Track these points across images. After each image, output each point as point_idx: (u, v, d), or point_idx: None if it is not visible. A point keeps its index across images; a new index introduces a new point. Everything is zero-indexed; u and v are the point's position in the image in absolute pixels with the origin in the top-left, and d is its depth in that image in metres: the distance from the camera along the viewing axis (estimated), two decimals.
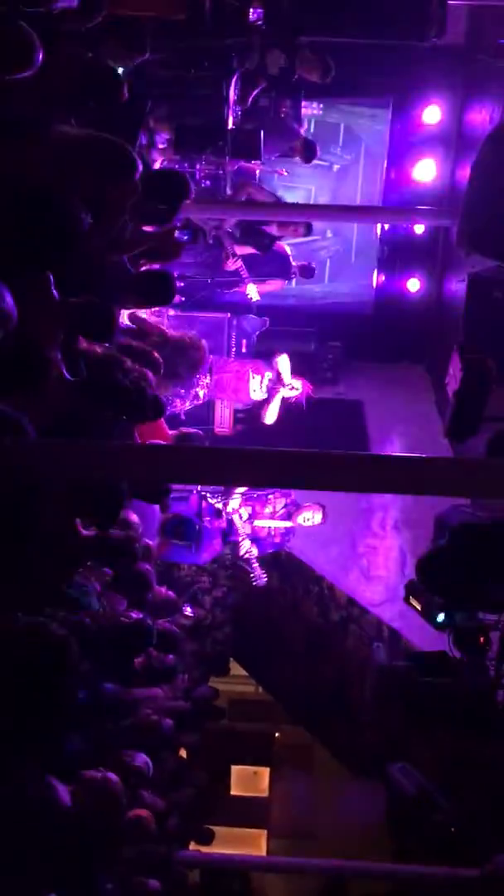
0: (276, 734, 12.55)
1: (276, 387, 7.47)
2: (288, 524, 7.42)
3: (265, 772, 12.52)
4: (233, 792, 12.35)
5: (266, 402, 7.45)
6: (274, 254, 8.20)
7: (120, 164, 3.72)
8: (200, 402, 7.38)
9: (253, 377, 7.48)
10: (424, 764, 5.74)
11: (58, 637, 2.86)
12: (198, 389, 7.21)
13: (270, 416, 7.46)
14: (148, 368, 4.35)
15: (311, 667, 9.15)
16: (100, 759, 3.72)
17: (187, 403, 7.24)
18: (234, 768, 12.41)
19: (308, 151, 7.91)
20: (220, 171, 7.38)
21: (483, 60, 8.40)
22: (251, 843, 11.66)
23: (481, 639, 5.01)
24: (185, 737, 7.26)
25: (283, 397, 7.49)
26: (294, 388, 7.48)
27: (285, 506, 7.46)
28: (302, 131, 8.27)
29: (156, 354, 4.92)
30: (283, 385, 7.45)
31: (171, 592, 6.27)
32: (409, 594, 5.31)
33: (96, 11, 4.07)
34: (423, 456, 3.36)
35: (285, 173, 8.57)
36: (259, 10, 6.22)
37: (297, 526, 7.43)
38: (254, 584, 7.42)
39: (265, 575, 7.39)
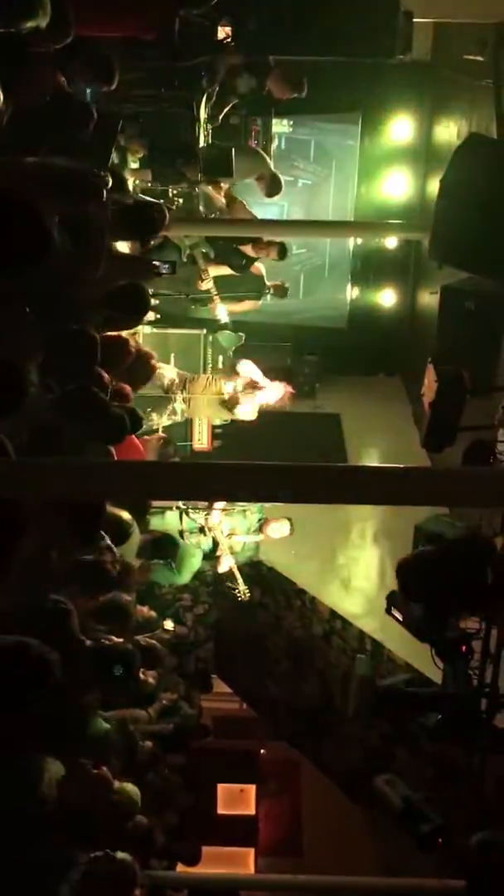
0: (262, 751, 12.47)
1: (251, 389, 7.53)
2: (260, 537, 7.50)
3: (251, 789, 12.43)
4: (219, 811, 12.23)
5: (241, 404, 7.51)
6: (249, 274, 8.27)
7: (88, 189, 3.76)
8: (178, 417, 7.40)
9: (225, 384, 7.57)
10: (410, 775, 5.74)
11: (39, 654, 2.87)
12: (175, 405, 7.23)
13: (248, 414, 7.51)
14: None
15: (295, 681, 9.11)
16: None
17: (164, 418, 7.26)
18: (220, 786, 12.30)
19: (273, 187, 7.98)
20: (194, 191, 7.42)
21: (450, 76, 8.55)
22: (239, 862, 11.55)
23: (463, 648, 5.02)
24: (170, 758, 7.20)
25: (263, 402, 7.56)
26: (272, 389, 7.57)
27: (259, 520, 7.54)
28: (272, 150, 8.38)
29: None
30: (260, 388, 7.53)
31: (152, 612, 6.25)
32: (390, 605, 5.31)
33: (65, 32, 4.08)
34: (401, 466, 3.38)
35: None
36: (228, 28, 6.28)
37: (267, 539, 7.52)
38: (238, 599, 7.44)
39: (248, 590, 7.41)
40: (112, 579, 4.00)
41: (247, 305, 8.53)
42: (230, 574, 7.35)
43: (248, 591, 7.47)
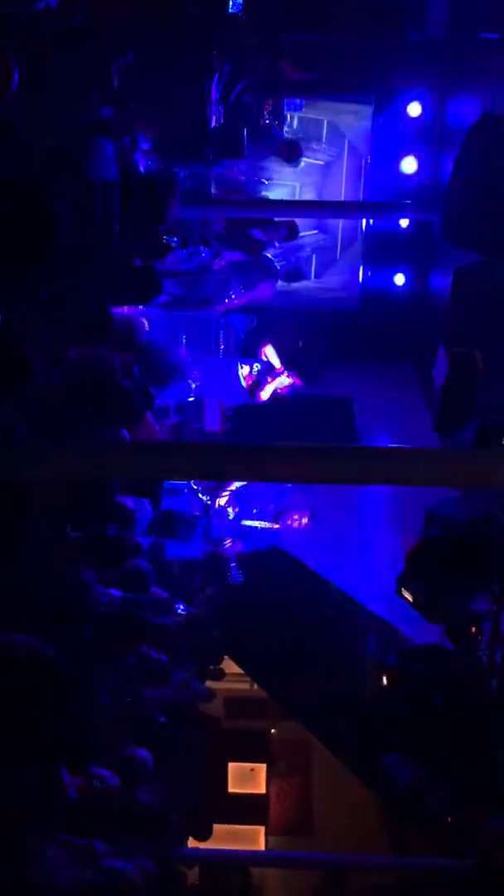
0: (273, 730, 12.56)
1: (269, 373, 7.56)
2: (276, 526, 7.49)
3: (262, 768, 12.53)
4: (230, 789, 12.35)
5: (262, 385, 7.54)
6: (260, 260, 8.25)
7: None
8: (192, 394, 7.42)
9: (241, 367, 7.58)
10: (419, 755, 5.77)
11: (50, 661, 2.87)
12: (190, 381, 7.26)
13: (265, 393, 7.55)
14: None
15: (306, 662, 9.16)
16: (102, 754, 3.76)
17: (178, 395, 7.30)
18: (231, 765, 12.40)
19: (291, 152, 7.94)
20: (205, 170, 7.39)
21: (464, 55, 8.45)
22: (249, 840, 11.67)
23: (473, 629, 5.05)
24: (180, 733, 7.27)
25: (277, 385, 7.59)
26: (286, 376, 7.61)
27: (274, 508, 7.53)
28: (284, 131, 8.32)
29: None
30: (277, 372, 7.55)
31: (164, 593, 6.30)
32: (400, 587, 5.34)
33: (78, 11, 4.07)
34: (412, 447, 3.38)
35: (266, 182, 8.60)
36: (239, 2, 6.22)
37: (285, 528, 7.51)
38: (229, 581, 7.49)
39: (242, 575, 7.45)
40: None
41: (262, 292, 8.47)
42: (226, 557, 7.39)
43: (241, 575, 7.49)
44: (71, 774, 3.44)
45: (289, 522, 7.48)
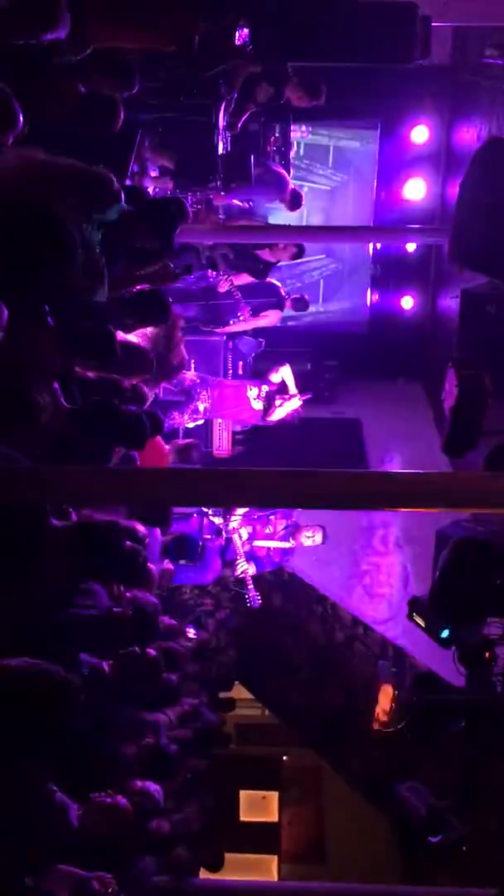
0: (284, 757, 12.44)
1: (280, 396, 7.52)
2: (288, 544, 7.44)
3: (274, 796, 12.40)
4: (242, 817, 12.22)
5: (271, 407, 7.51)
6: (266, 286, 8.29)
7: (103, 194, 3.77)
8: (200, 416, 7.42)
9: (251, 389, 7.56)
10: (433, 782, 5.70)
11: (58, 681, 2.84)
12: (198, 403, 7.26)
13: (276, 415, 7.52)
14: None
15: (318, 687, 9.10)
16: (110, 785, 3.72)
17: (186, 417, 7.29)
18: (243, 793, 12.29)
19: (294, 203, 8.02)
20: (212, 196, 7.45)
21: (469, 79, 8.53)
22: (262, 869, 11.52)
23: (486, 654, 4.99)
24: (191, 762, 7.20)
25: (289, 408, 7.56)
26: (298, 398, 7.58)
27: (286, 527, 7.49)
28: (291, 156, 8.39)
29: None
30: (290, 395, 7.52)
31: (173, 621, 6.25)
32: (412, 611, 5.30)
33: (84, 44, 4.11)
34: (422, 471, 3.37)
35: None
36: (245, 33, 6.28)
37: (298, 546, 7.45)
38: (248, 605, 7.43)
39: (259, 597, 7.39)
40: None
41: (270, 319, 8.48)
42: (243, 580, 7.33)
43: (259, 596, 7.42)
44: (76, 802, 3.39)
45: (302, 540, 7.43)
